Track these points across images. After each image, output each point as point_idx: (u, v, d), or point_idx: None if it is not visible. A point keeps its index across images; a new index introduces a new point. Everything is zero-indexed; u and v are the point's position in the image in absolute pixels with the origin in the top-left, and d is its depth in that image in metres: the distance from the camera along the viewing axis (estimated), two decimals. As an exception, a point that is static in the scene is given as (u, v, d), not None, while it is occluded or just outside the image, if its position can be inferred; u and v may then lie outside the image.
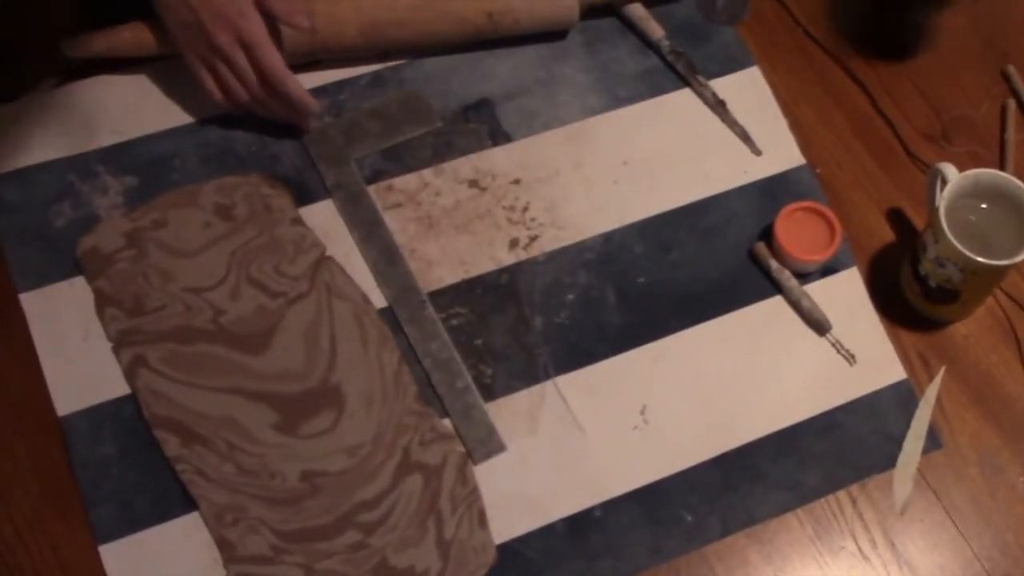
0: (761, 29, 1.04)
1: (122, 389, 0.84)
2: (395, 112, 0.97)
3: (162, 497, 0.80)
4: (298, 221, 0.91)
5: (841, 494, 0.83)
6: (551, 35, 1.01)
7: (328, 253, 0.90)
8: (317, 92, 0.97)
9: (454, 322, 0.88)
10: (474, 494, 0.81)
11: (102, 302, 0.86)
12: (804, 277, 0.91)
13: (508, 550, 0.80)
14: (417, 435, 0.83)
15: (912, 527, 0.82)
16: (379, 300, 0.88)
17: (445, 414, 0.84)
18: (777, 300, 0.90)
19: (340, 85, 0.98)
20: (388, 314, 0.88)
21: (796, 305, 0.90)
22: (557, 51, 1.01)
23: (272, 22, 0.89)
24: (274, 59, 0.88)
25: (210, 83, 0.90)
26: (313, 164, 0.94)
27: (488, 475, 0.82)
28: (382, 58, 0.99)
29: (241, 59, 0.88)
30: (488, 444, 0.83)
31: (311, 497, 0.80)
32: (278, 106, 0.92)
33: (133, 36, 0.94)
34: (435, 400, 0.85)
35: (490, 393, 0.85)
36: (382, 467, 0.81)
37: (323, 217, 0.92)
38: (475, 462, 0.82)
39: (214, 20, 0.86)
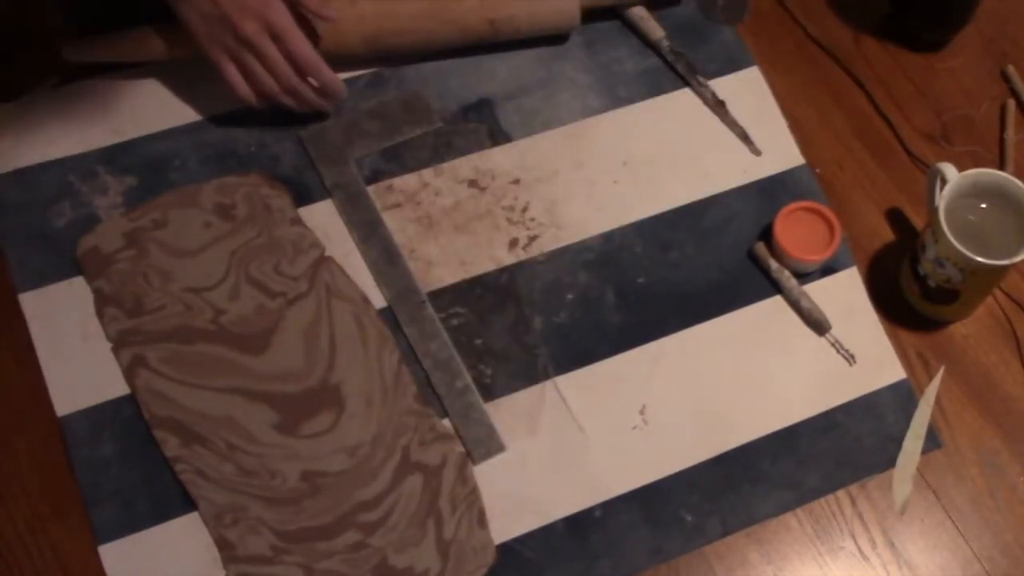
0: (761, 29, 1.04)
1: (122, 389, 0.84)
2: (394, 112, 0.97)
3: (162, 497, 0.80)
4: (298, 221, 0.91)
5: (841, 494, 0.83)
6: (552, 37, 1.01)
7: (328, 253, 0.90)
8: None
9: (454, 322, 0.88)
10: (474, 494, 0.81)
11: (102, 302, 0.86)
12: (804, 277, 0.91)
13: (508, 550, 0.80)
14: (417, 435, 0.83)
15: (912, 527, 0.82)
16: (378, 300, 0.88)
17: (445, 414, 0.84)
18: (777, 300, 0.90)
19: (340, 85, 0.98)
20: (388, 314, 0.88)
21: (796, 305, 0.90)
22: (557, 51, 1.01)
23: (299, 13, 0.89)
24: (306, 47, 0.87)
25: (237, 77, 0.88)
26: (313, 164, 0.94)
27: (488, 475, 0.82)
28: (382, 59, 0.99)
29: (271, 48, 0.86)
30: (487, 444, 0.83)
31: (311, 497, 0.80)
32: (308, 94, 0.90)
33: (135, 41, 0.94)
34: (434, 400, 0.85)
35: (490, 393, 0.85)
36: (382, 467, 0.81)
37: (323, 217, 0.92)
38: (475, 462, 0.82)
39: (240, 11, 0.85)
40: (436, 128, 0.96)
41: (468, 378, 0.85)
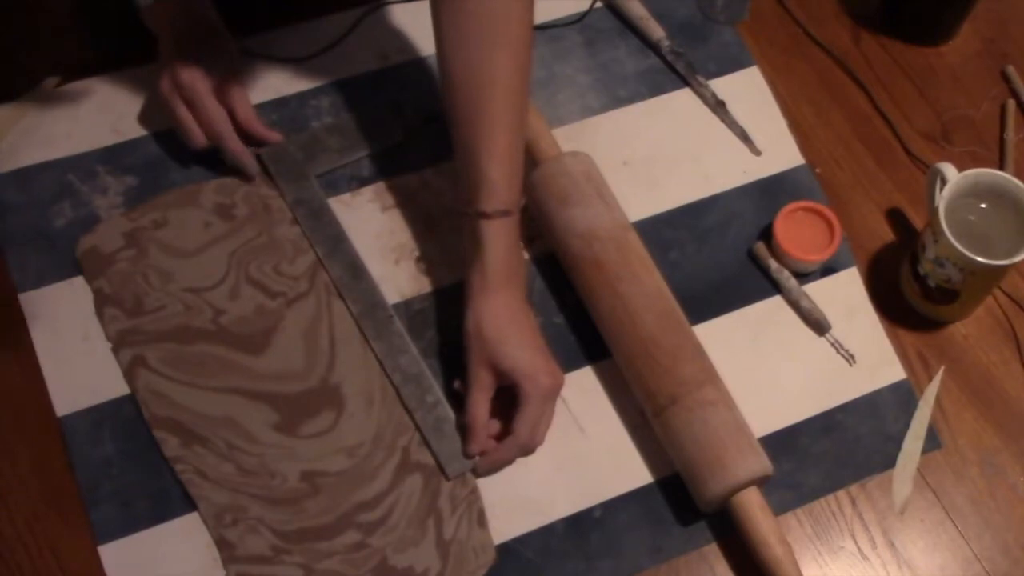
0: (761, 29, 1.04)
1: (122, 389, 0.84)
2: (356, 127, 0.95)
3: (162, 497, 0.80)
4: (297, 221, 0.91)
5: (841, 494, 0.83)
6: (551, 35, 1.01)
7: (328, 253, 0.90)
8: (316, 92, 0.97)
9: (455, 323, 0.88)
10: (474, 494, 0.81)
11: (102, 302, 0.86)
12: (804, 277, 0.91)
13: (508, 550, 0.80)
14: (416, 435, 0.83)
15: (912, 527, 0.82)
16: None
17: (416, 429, 0.83)
18: (777, 300, 0.90)
19: (340, 84, 0.98)
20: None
21: (796, 305, 0.90)
22: (557, 51, 1.01)
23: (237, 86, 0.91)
24: (210, 115, 0.88)
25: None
26: (273, 180, 0.93)
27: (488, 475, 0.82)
28: (382, 59, 0.99)
29: (180, 110, 0.89)
30: (461, 459, 0.81)
31: (311, 497, 0.80)
32: (231, 154, 0.91)
33: None
34: (406, 415, 0.83)
35: (490, 393, 0.85)
36: (382, 467, 0.81)
37: (323, 217, 0.92)
38: (448, 477, 0.81)
39: (162, 70, 0.89)
40: (436, 127, 0.95)
41: (439, 392, 0.84)
